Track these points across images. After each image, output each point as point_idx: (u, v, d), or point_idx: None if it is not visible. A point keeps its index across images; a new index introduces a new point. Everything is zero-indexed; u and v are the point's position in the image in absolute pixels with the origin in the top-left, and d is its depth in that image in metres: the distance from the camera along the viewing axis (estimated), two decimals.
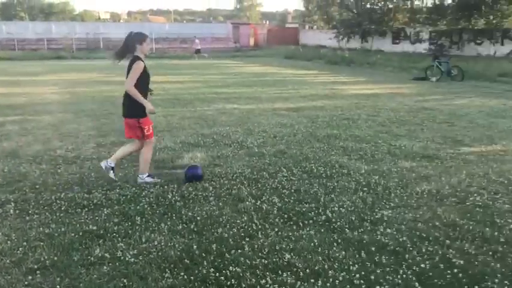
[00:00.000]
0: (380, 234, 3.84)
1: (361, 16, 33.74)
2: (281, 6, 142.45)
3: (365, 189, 4.98)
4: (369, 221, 4.13)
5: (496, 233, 3.85)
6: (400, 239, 3.74)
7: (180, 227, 3.98)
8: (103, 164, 5.15)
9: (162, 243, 3.64)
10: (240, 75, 19.24)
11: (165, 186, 4.98)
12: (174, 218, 4.18)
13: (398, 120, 9.05)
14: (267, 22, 58.21)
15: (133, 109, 4.87)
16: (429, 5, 32.15)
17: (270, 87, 14.80)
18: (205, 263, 3.32)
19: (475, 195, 4.80)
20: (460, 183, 5.19)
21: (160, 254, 3.48)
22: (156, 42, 34.65)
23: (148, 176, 5.16)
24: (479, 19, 25.19)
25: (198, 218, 4.16)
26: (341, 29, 35.12)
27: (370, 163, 5.99)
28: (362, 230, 3.93)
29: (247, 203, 4.55)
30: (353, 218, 4.17)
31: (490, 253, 3.52)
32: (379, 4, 34.35)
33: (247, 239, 3.74)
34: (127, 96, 4.86)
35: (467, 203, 4.57)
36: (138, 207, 4.40)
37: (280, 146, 6.87)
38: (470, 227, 3.98)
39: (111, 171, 5.11)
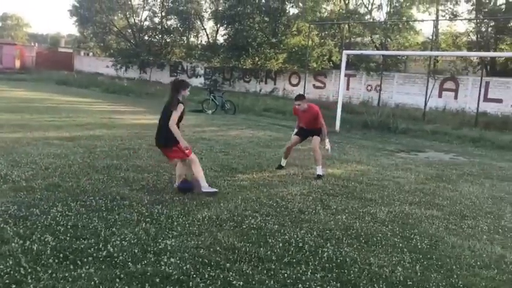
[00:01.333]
0: (164, 264, 3.79)
1: (140, 47, 33.99)
2: (53, 29, 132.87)
3: (148, 219, 4.89)
4: (152, 252, 4.04)
5: (268, 252, 4.21)
6: (184, 267, 3.76)
7: None
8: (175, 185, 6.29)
9: None
10: (3, 99, 17.07)
11: None
12: None
13: None
14: (36, 44, 53.43)
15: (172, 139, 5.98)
16: (204, 42, 34.52)
17: (41, 114, 13.52)
18: None
19: (250, 218, 5.19)
20: (237, 208, 5.55)
21: None
22: None
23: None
24: (247, 59, 28.11)
25: None
26: (118, 57, 34.67)
27: (152, 193, 5.94)
28: (145, 262, 3.82)
29: (13, 244, 3.96)
30: (136, 251, 4.02)
31: (265, 271, 3.81)
32: (156, 37, 35.18)
33: (13, 286, 3.23)
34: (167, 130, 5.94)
35: (244, 226, 4.90)
36: None
37: (54, 178, 6.26)
38: (247, 249, 4.26)
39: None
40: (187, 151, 6.03)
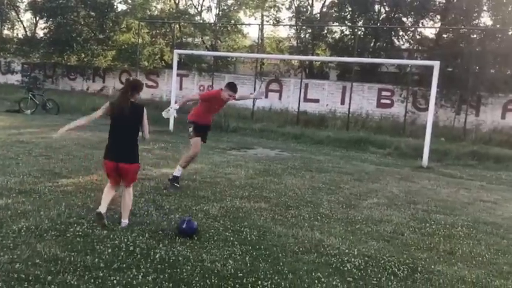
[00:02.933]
0: None
1: None
2: None
3: None
4: None
5: (96, 260, 3.94)
6: None
7: None
8: None
9: None
10: None
11: None
12: None
13: None
14: None
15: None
16: (20, 36, 31.12)
17: None
18: None
19: (75, 225, 4.81)
20: (60, 216, 5.09)
21: None
22: None
23: None
24: (72, 55, 26.17)
25: None
26: None
27: None
28: None
29: None
30: None
31: (92, 280, 3.55)
32: None
33: None
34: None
35: (68, 235, 4.52)
36: None
37: None
38: (72, 258, 3.93)
39: None
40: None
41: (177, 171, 7.06)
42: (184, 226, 4.83)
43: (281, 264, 4.25)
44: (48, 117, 15.84)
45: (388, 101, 20.29)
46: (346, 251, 4.79)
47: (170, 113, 7.15)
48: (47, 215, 5.08)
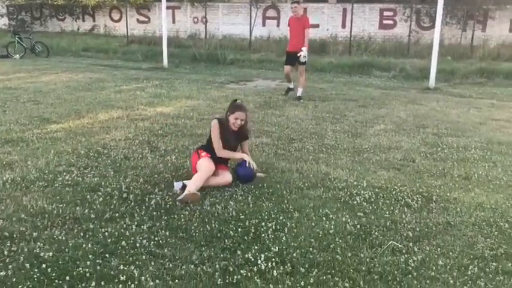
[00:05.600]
0: None
1: None
2: None
3: None
4: None
5: (86, 211, 3.65)
6: None
7: None
8: None
9: None
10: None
11: None
12: None
13: None
14: None
15: None
16: None
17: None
18: None
19: (64, 174, 4.50)
20: (48, 164, 4.77)
21: None
22: None
23: None
24: None
25: None
26: None
27: None
28: None
29: None
30: None
31: (82, 233, 3.28)
32: None
33: None
34: None
35: (57, 185, 4.21)
36: None
37: None
38: (60, 210, 3.64)
39: None
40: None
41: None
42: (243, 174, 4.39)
43: (286, 202, 3.96)
44: (38, 61, 15.25)
45: (390, 22, 19.40)
46: (355, 183, 4.49)
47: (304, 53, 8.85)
48: (34, 164, 4.76)
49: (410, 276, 2.85)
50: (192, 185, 3.97)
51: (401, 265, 2.98)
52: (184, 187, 4.04)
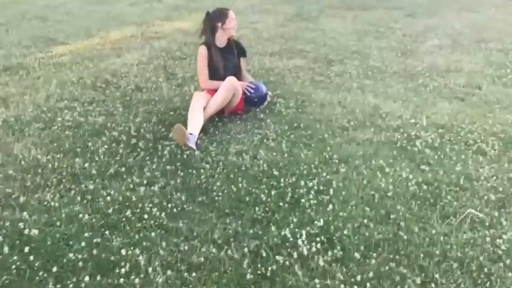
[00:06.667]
0: None
1: None
2: None
3: None
4: None
5: (87, 164, 3.00)
6: None
7: None
8: None
9: None
10: None
11: None
12: None
13: None
14: None
15: None
16: None
17: None
18: None
19: (66, 111, 3.85)
20: (48, 99, 4.12)
21: None
22: None
23: None
24: None
25: None
26: None
27: None
28: None
29: None
30: None
31: (79, 198, 2.66)
32: None
33: None
34: None
35: (55, 127, 3.56)
36: None
37: None
38: (56, 164, 3.01)
39: None
40: None
41: None
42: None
43: (328, 149, 3.20)
44: None
45: None
46: (412, 120, 3.68)
47: None
48: (32, 99, 4.10)
49: (501, 264, 2.15)
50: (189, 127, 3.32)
51: (485, 246, 2.27)
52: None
